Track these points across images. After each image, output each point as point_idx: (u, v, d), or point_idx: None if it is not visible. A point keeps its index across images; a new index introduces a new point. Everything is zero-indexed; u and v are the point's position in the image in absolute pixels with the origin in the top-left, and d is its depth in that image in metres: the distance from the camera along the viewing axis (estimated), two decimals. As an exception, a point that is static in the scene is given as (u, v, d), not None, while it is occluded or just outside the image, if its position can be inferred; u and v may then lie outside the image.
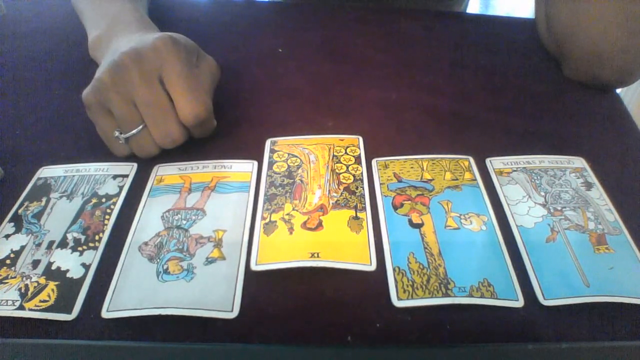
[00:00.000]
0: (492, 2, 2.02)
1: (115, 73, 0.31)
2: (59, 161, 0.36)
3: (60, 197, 0.33)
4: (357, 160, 0.35)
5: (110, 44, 0.37)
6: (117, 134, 0.33)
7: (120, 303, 0.26)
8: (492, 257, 0.29)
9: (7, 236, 0.30)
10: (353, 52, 0.48)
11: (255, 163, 0.35)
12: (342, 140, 0.37)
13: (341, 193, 0.33)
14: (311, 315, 0.26)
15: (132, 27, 0.39)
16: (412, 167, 0.35)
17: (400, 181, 0.34)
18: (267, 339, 0.25)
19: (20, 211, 0.32)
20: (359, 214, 0.31)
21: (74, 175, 0.34)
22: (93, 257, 0.29)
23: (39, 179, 0.34)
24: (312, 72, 0.45)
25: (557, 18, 0.43)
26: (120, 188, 0.33)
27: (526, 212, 0.32)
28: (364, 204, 0.32)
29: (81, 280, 0.28)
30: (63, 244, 0.30)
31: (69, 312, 0.26)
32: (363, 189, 0.33)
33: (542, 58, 0.48)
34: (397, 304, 0.26)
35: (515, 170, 0.35)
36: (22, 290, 0.27)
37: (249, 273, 0.28)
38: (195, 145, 0.36)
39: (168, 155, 0.35)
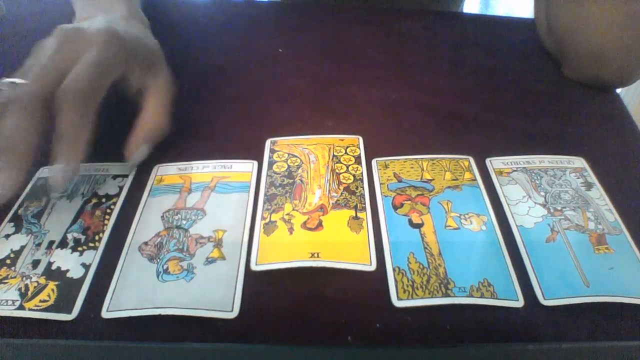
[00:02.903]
0: (491, 2, 2.02)
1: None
2: (59, 161, 0.35)
3: (60, 197, 0.33)
4: (357, 160, 0.35)
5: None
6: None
7: (120, 303, 0.26)
8: (492, 257, 0.29)
9: (7, 236, 0.30)
10: (353, 52, 0.48)
11: (255, 163, 0.35)
12: (342, 140, 0.37)
13: (341, 193, 0.33)
14: (311, 315, 0.26)
15: (122, 16, 0.37)
16: (412, 167, 0.35)
17: (400, 181, 0.34)
18: (267, 339, 0.25)
19: (20, 211, 0.32)
20: (359, 214, 0.31)
21: (74, 175, 0.34)
22: (93, 257, 0.29)
23: (39, 179, 0.34)
24: (312, 72, 0.45)
25: (557, 17, 0.43)
26: (120, 188, 0.33)
27: (526, 212, 0.32)
28: (364, 204, 0.32)
29: (81, 280, 0.27)
30: (63, 244, 0.30)
31: (69, 312, 0.26)
32: (363, 189, 0.33)
33: (542, 58, 0.48)
34: (397, 304, 0.26)
35: (515, 170, 0.35)
36: (22, 290, 0.27)
37: (249, 273, 0.28)
38: (195, 145, 0.36)
39: (168, 155, 0.35)
